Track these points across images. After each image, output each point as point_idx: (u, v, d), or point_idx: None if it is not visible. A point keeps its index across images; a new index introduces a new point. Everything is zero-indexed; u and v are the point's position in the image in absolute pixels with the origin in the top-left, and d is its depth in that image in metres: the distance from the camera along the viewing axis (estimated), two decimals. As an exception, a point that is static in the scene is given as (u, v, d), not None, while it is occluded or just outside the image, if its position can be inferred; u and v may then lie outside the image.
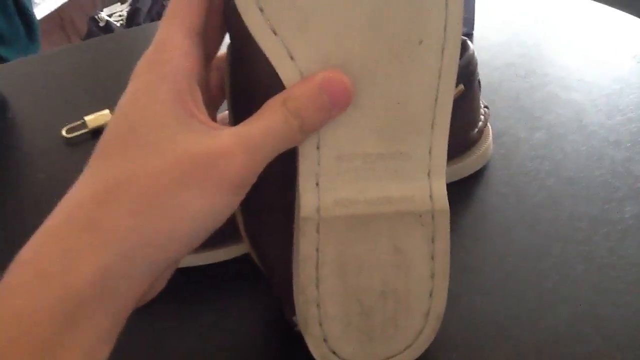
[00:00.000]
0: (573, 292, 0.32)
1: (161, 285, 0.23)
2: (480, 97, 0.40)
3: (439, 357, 0.29)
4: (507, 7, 0.62)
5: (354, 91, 0.23)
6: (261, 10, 0.22)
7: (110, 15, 1.69)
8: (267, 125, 0.21)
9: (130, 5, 1.72)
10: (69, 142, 0.50)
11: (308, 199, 0.24)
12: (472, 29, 0.57)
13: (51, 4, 2.01)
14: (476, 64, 0.38)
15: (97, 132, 0.51)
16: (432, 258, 0.25)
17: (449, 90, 0.24)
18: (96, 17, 1.67)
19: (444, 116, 0.24)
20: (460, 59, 0.37)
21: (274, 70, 0.22)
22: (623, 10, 0.58)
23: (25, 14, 1.61)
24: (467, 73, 0.37)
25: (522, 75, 0.51)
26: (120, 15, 1.68)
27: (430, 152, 0.24)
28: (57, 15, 2.04)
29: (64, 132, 0.51)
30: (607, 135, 0.43)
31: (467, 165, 0.40)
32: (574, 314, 0.31)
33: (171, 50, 0.22)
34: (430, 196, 0.24)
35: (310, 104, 0.22)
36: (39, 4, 1.91)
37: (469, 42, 0.38)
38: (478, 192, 0.40)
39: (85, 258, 0.19)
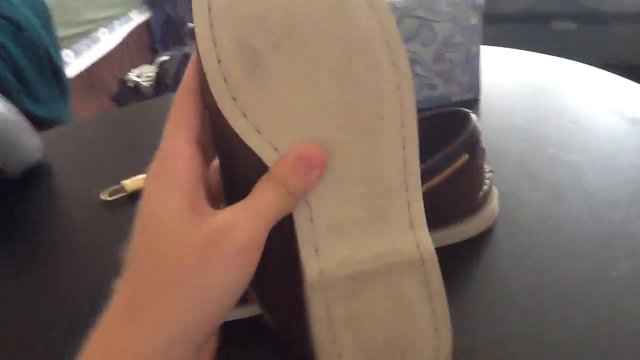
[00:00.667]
0: (574, 348, 0.35)
1: (212, 347, 0.27)
2: (485, 162, 0.44)
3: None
4: (511, 75, 0.66)
5: (326, 154, 0.26)
6: (234, 99, 0.25)
7: (139, 76, 1.77)
8: (260, 198, 0.25)
9: (158, 66, 1.81)
10: (108, 205, 0.55)
11: (311, 265, 0.27)
12: (479, 94, 0.62)
13: (81, 63, 2.12)
14: (479, 134, 0.42)
15: (134, 195, 0.56)
16: (430, 298, 0.28)
17: (414, 156, 0.27)
18: (125, 78, 1.76)
19: (414, 178, 0.27)
20: (463, 130, 0.41)
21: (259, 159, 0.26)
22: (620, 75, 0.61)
23: (58, 73, 1.70)
24: (471, 143, 0.41)
25: (525, 139, 0.54)
26: (148, 76, 1.77)
27: (409, 209, 0.28)
28: (87, 74, 2.14)
29: (103, 196, 0.55)
30: (606, 196, 0.46)
31: (474, 226, 0.43)
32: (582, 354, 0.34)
33: (177, 159, 0.26)
34: (417, 245, 0.28)
35: (291, 171, 0.26)
36: (70, 63, 2.01)
37: (472, 114, 0.42)
38: (484, 251, 0.43)
39: (141, 341, 0.23)
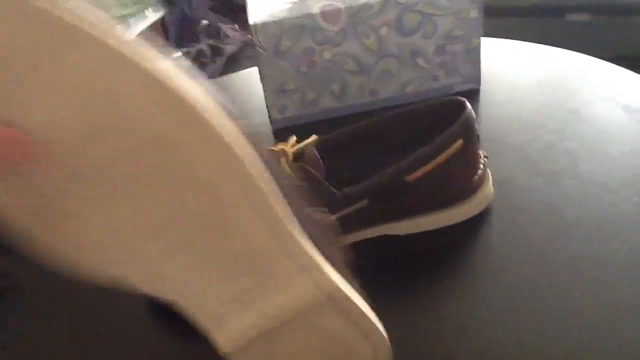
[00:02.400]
0: (573, 323, 0.37)
1: None
2: (480, 149, 0.46)
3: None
4: (512, 66, 0.68)
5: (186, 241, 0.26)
6: None
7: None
8: None
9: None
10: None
11: (220, 338, 0.28)
12: (479, 85, 0.64)
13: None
14: (473, 121, 0.44)
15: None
16: (356, 324, 0.29)
17: (280, 216, 0.26)
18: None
19: (288, 235, 0.27)
20: (459, 117, 0.43)
21: None
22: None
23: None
24: (466, 129, 0.43)
25: (523, 127, 0.56)
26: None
27: (293, 260, 0.27)
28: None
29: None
30: (599, 180, 0.48)
31: (471, 207, 0.46)
32: (578, 345, 0.36)
33: None
34: (317, 286, 0.28)
35: None
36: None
37: (466, 102, 0.44)
38: (482, 231, 0.45)
39: None
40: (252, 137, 0.27)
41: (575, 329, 0.37)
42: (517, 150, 0.53)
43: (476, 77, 0.63)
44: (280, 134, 0.64)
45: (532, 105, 0.60)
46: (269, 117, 0.65)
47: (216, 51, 1.99)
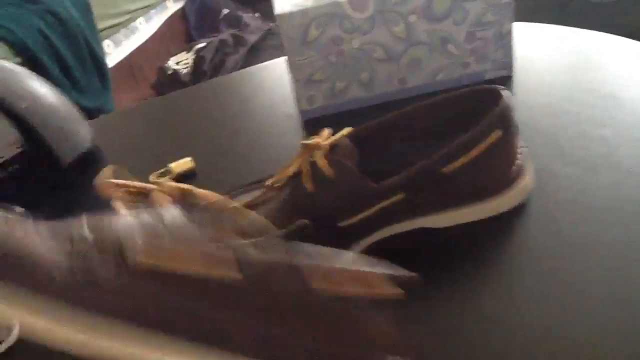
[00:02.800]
0: (624, 314, 0.36)
1: None
2: (519, 139, 0.45)
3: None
4: (546, 50, 0.67)
5: None
6: None
7: (177, 63, 1.82)
8: None
9: (195, 53, 1.85)
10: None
11: None
12: (511, 72, 0.62)
13: (121, 53, 2.18)
14: (512, 110, 0.43)
15: (180, 177, 0.59)
16: None
17: None
18: (164, 66, 1.81)
19: None
20: (494, 106, 0.42)
21: None
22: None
23: (98, 63, 1.76)
24: (504, 119, 0.42)
25: (558, 114, 0.55)
26: (186, 64, 1.81)
27: None
28: (127, 63, 2.21)
29: (151, 179, 0.58)
30: (636, 169, 0.47)
31: (508, 199, 0.45)
32: (627, 335, 0.35)
33: None
34: None
35: None
36: (110, 53, 2.08)
37: (504, 90, 0.43)
38: (520, 222, 0.44)
39: None
40: None
41: (624, 319, 0.36)
42: (551, 138, 0.52)
43: (508, 64, 0.62)
44: (309, 126, 0.63)
45: (565, 92, 0.58)
46: (298, 108, 0.64)
47: (239, 41, 2.00)
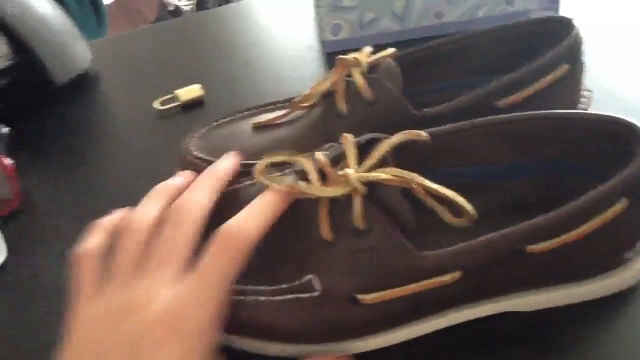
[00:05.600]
0: None
1: None
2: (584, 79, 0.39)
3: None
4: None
5: None
6: None
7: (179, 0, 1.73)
8: None
9: (198, -10, 1.75)
10: (161, 114, 0.53)
11: None
12: (558, 11, 0.56)
13: (118, -11, 2.07)
14: (582, 44, 0.37)
15: (187, 105, 0.53)
16: None
17: None
18: (165, 1, 1.72)
19: None
20: (565, 39, 0.36)
21: None
22: None
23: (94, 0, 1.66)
24: (573, 52, 0.36)
25: (608, 58, 0.49)
26: (189, 0, 1.72)
27: None
28: (123, 2, 2.10)
29: (156, 105, 0.53)
30: None
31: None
32: None
33: (190, 321, 0.26)
34: None
35: None
36: (106, -10, 1.96)
37: (574, 21, 0.37)
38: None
39: None
40: None
41: None
42: (603, 83, 0.46)
43: (554, 2, 0.56)
44: (332, 60, 0.57)
45: (615, 33, 0.52)
46: (320, 39, 0.58)
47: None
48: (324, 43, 0.57)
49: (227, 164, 0.33)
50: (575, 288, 0.30)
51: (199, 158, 0.38)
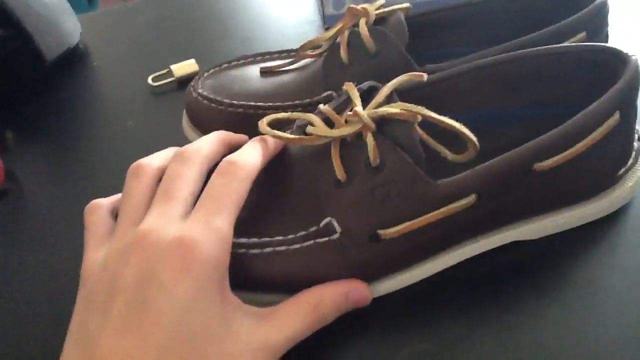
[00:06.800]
0: None
1: None
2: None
3: None
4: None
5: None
6: None
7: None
8: (295, 331, 0.25)
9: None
10: (155, 90, 0.50)
11: None
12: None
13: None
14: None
15: (182, 81, 0.50)
16: None
17: None
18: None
19: None
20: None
21: None
22: None
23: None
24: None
25: None
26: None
27: None
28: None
29: (150, 81, 0.50)
30: None
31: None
32: None
33: (202, 251, 0.24)
34: None
35: (336, 310, 0.27)
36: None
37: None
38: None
39: None
40: None
41: None
42: None
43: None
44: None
45: None
46: (322, 13, 0.56)
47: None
48: (326, 18, 0.55)
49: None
50: (577, 210, 0.31)
51: (202, 96, 0.37)
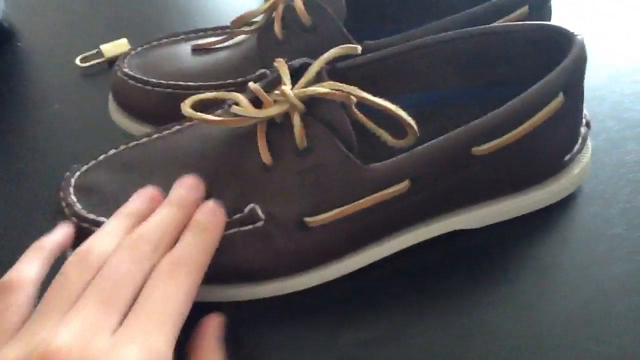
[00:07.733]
0: None
1: None
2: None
3: None
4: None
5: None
6: None
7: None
8: None
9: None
10: (84, 72, 0.47)
11: None
12: None
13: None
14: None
15: (113, 61, 0.47)
16: None
17: None
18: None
19: None
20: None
21: None
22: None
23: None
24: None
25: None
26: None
27: None
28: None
29: (78, 62, 0.47)
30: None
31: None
32: None
33: None
34: None
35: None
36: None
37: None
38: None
39: None
40: None
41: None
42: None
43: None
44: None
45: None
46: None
47: None
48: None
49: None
50: (521, 197, 0.30)
51: (128, 75, 0.35)
